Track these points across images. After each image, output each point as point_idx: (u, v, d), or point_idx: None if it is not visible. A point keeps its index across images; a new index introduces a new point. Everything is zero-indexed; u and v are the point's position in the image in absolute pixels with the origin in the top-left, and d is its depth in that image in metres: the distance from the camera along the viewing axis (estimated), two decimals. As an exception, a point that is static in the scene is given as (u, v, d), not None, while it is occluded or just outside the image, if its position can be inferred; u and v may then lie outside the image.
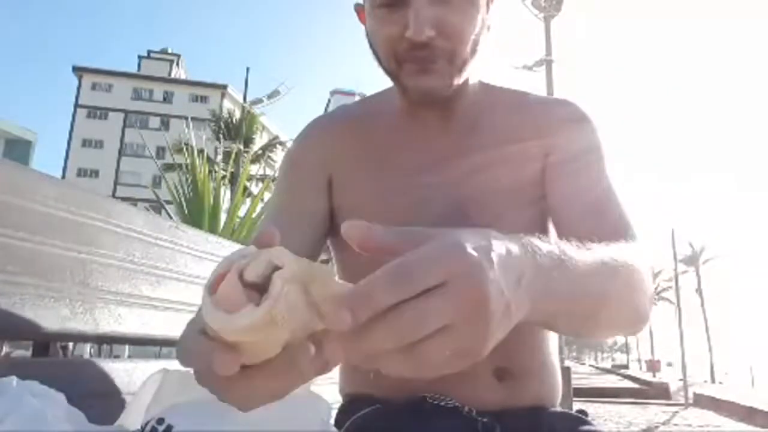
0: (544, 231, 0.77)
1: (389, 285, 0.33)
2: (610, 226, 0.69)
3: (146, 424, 0.57)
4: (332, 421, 0.79)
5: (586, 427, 0.74)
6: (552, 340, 0.80)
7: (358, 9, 0.80)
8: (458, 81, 0.72)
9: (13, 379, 0.63)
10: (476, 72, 0.78)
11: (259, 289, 0.35)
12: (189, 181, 4.64)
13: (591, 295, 0.50)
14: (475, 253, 0.36)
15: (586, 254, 0.49)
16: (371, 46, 0.76)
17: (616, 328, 0.63)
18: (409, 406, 0.69)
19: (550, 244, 0.46)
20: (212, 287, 0.35)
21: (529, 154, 0.77)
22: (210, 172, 5.07)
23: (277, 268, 0.35)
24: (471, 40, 0.71)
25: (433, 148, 0.78)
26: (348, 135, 0.83)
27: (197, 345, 0.36)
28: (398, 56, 0.71)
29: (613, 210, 0.72)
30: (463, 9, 0.69)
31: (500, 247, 0.39)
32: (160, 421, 0.57)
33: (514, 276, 0.39)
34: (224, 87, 46.47)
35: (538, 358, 0.77)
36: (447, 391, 0.70)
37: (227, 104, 38.43)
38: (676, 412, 7.77)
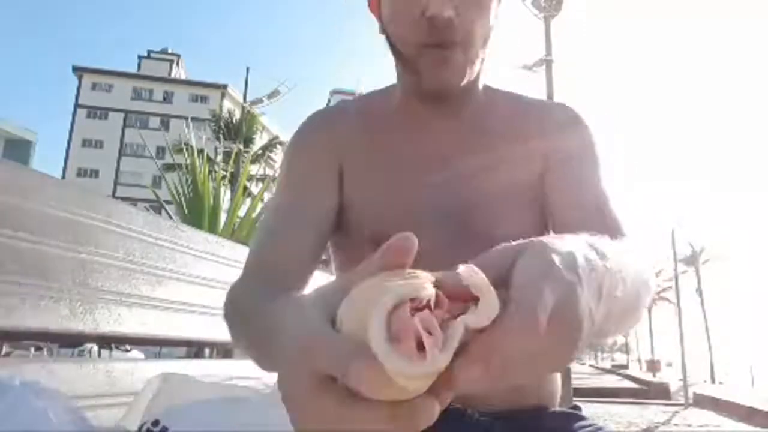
0: (543, 232, 0.77)
1: (519, 330, 0.32)
2: (607, 227, 0.69)
3: (142, 426, 0.58)
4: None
5: (582, 423, 0.75)
6: None
7: (370, 1, 0.79)
8: (470, 76, 0.73)
9: (15, 379, 0.64)
10: (483, 71, 0.78)
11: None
12: (189, 181, 4.64)
13: (630, 293, 0.47)
14: (569, 277, 0.35)
15: (617, 252, 0.47)
16: (387, 35, 0.74)
17: (628, 325, 0.62)
18: None
19: (596, 245, 0.43)
20: (386, 325, 0.31)
21: (530, 156, 0.78)
22: (210, 172, 5.08)
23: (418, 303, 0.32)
24: (484, 31, 0.71)
25: (439, 147, 0.78)
26: (356, 127, 0.81)
27: (338, 410, 0.32)
28: (417, 41, 0.69)
29: (610, 212, 0.73)
30: None
31: (584, 262, 0.37)
32: (156, 423, 0.57)
33: (597, 289, 0.38)
34: (224, 87, 46.47)
35: None
36: None
37: (227, 104, 38.42)
38: (676, 412, 7.77)
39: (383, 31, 0.75)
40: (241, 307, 0.64)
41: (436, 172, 0.76)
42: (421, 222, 0.74)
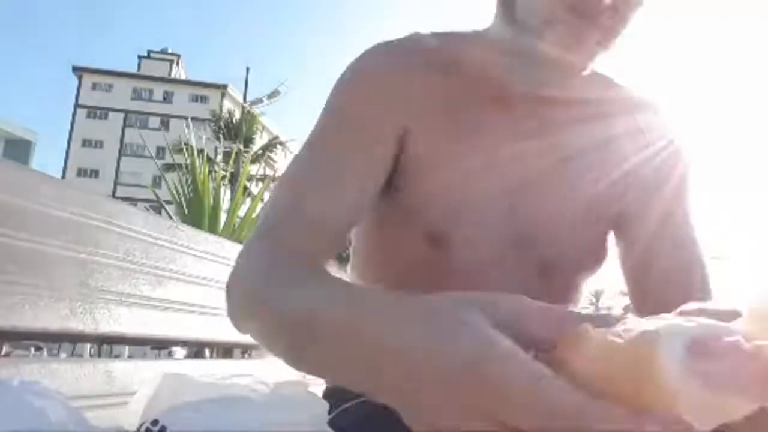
0: (605, 250, 0.71)
1: None
2: (696, 287, 0.64)
3: (141, 426, 0.58)
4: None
5: None
6: None
7: None
8: (592, 63, 0.62)
9: (15, 379, 0.64)
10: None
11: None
12: (189, 181, 4.66)
13: None
14: None
15: None
16: None
17: None
18: None
19: None
20: (699, 355, 0.26)
21: (615, 162, 0.68)
22: (210, 172, 5.09)
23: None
24: (630, 21, 0.59)
25: (525, 144, 0.66)
26: (431, 79, 0.65)
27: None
28: (556, 13, 0.56)
29: (700, 267, 0.66)
30: None
31: None
32: (155, 422, 0.57)
33: None
34: (224, 87, 46.45)
35: None
36: None
37: (227, 104, 38.48)
38: (676, 412, 7.77)
39: None
40: (268, 294, 0.51)
41: (516, 176, 0.66)
42: (490, 234, 0.66)
